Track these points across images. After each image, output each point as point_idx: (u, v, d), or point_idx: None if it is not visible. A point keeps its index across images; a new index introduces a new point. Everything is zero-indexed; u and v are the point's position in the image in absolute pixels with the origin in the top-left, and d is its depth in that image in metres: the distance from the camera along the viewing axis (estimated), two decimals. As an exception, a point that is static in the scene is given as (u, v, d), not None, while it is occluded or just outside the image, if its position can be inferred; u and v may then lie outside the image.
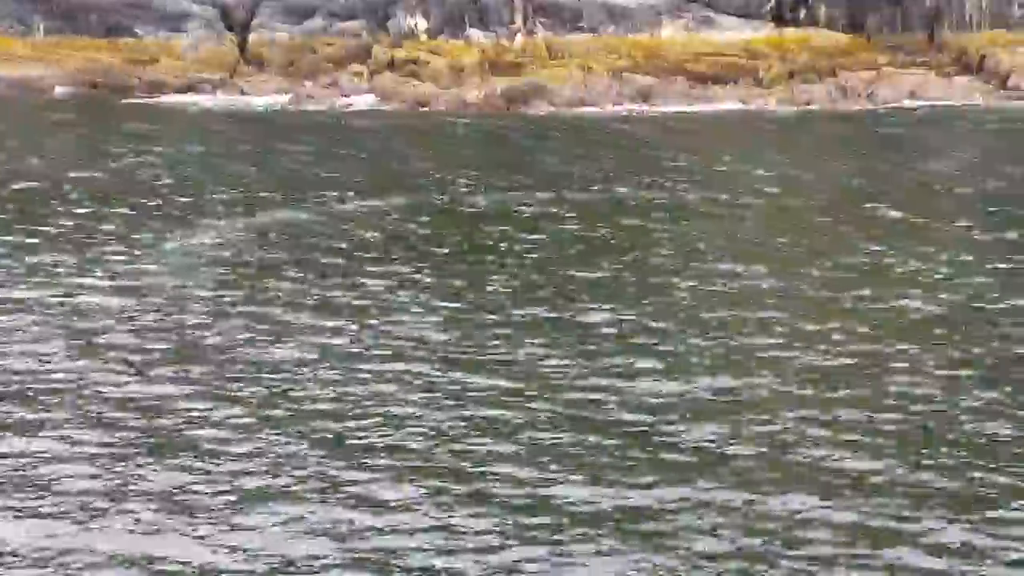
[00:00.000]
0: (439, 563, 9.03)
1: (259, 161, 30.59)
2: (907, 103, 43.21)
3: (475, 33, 49.61)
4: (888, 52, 47.84)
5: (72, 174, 27.59)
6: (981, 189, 26.18)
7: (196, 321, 15.42)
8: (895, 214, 22.88)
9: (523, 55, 48.12)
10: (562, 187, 26.01)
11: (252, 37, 52.18)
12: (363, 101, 45.67)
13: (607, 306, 16.01)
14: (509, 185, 26.56)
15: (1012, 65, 45.71)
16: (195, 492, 10.22)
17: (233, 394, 12.65)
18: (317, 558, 9.09)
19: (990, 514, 9.83)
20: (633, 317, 15.51)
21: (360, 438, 11.46)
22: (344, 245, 20.14)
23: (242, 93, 47.96)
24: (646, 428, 11.67)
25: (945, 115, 40.69)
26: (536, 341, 14.43)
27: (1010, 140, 35.03)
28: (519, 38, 49.23)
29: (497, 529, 9.53)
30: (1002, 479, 10.49)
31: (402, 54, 48.57)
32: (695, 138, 35.26)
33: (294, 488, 10.28)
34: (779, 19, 49.51)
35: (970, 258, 19.11)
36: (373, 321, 15.35)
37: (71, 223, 21.94)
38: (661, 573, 8.92)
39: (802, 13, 49.64)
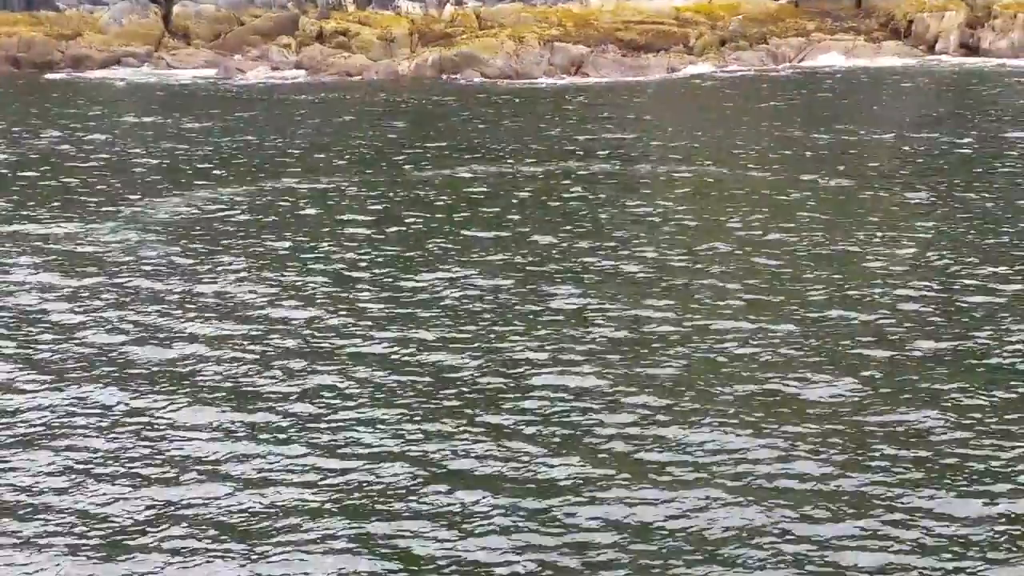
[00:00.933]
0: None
1: (192, 137, 30.12)
2: (838, 67, 43.36)
3: (404, 3, 49.23)
4: (816, 18, 48.07)
5: None
6: (916, 150, 26.36)
7: (137, 301, 15.15)
8: (835, 182, 22.95)
9: (453, 25, 47.80)
10: (505, 159, 25.87)
11: (176, 9, 51.39)
12: (293, 73, 45.18)
13: (571, 286, 15.93)
14: (453, 159, 26.34)
15: (939, 30, 46.10)
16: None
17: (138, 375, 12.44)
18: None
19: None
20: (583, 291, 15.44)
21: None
22: (287, 221, 19.87)
23: (168, 67, 47.31)
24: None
25: (876, 77, 40.91)
26: (494, 312, 14.32)
27: (940, 101, 35.32)
28: (448, 8, 48.91)
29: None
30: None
31: (331, 25, 48.07)
32: (632, 108, 35.16)
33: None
34: (708, -14, 49.53)
35: (912, 222, 19.21)
36: (330, 296, 15.18)
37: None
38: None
39: (731, -21, 49.67)
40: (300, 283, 16.25)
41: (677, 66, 44.07)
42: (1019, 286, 15.64)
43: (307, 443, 11.07)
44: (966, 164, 24.89)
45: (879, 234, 18.53)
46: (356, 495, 10.06)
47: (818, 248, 17.85)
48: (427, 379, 12.62)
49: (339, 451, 10.92)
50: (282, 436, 11.22)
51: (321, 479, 10.34)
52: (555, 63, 44.54)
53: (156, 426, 11.52)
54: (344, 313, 14.84)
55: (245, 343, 13.79)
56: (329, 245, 18.47)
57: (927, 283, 15.85)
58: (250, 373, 12.86)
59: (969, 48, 45.67)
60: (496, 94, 39.03)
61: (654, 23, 46.96)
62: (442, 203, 21.75)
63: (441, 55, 44.54)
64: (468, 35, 46.63)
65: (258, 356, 13.37)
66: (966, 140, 27.72)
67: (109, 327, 14.40)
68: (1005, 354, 13.10)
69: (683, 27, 46.93)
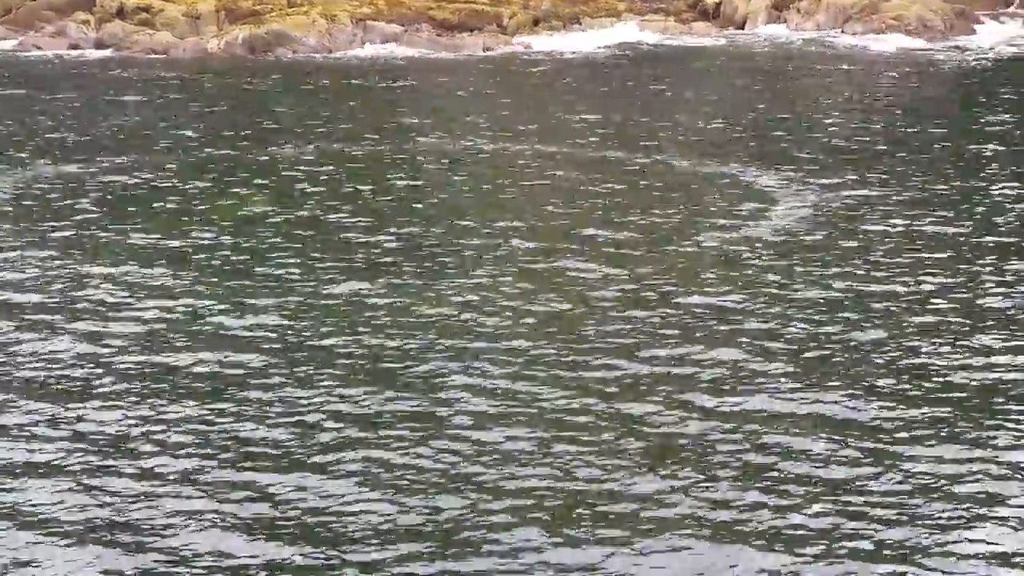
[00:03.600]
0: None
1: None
2: (647, 45, 43.60)
3: (210, -20, 47.64)
4: (627, -1, 48.22)
5: None
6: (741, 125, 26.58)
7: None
8: (675, 161, 22.93)
9: (260, 3, 46.48)
10: (323, 140, 25.16)
11: (-37, -18, 48.87)
12: (95, 52, 43.34)
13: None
14: (273, 140, 25.50)
15: (747, 11, 46.72)
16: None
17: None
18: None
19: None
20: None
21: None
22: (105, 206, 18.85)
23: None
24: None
25: (688, 54, 41.29)
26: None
27: (751, 76, 35.79)
28: (257, -16, 47.50)
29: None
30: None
31: (133, 1, 46.23)
32: (450, 90, 34.73)
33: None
34: (519, -35, 49.24)
35: (759, 202, 19.24)
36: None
37: None
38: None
39: (542, -41, 49.49)
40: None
41: (492, 46, 43.68)
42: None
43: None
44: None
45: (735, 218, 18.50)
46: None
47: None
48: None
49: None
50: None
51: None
52: (369, 41, 43.70)
53: None
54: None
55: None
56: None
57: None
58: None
59: (776, 30, 46.40)
60: (310, 71, 38.09)
61: (467, 3, 46.46)
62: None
63: (251, 33, 43.25)
64: (277, 13, 45.42)
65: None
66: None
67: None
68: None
69: (496, 6, 46.54)
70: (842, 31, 45.32)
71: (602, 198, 19.44)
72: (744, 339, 12.70)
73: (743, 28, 46.17)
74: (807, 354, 12.54)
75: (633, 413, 10.86)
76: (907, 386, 11.70)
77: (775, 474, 9.91)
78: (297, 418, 10.83)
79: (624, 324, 13.03)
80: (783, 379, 11.77)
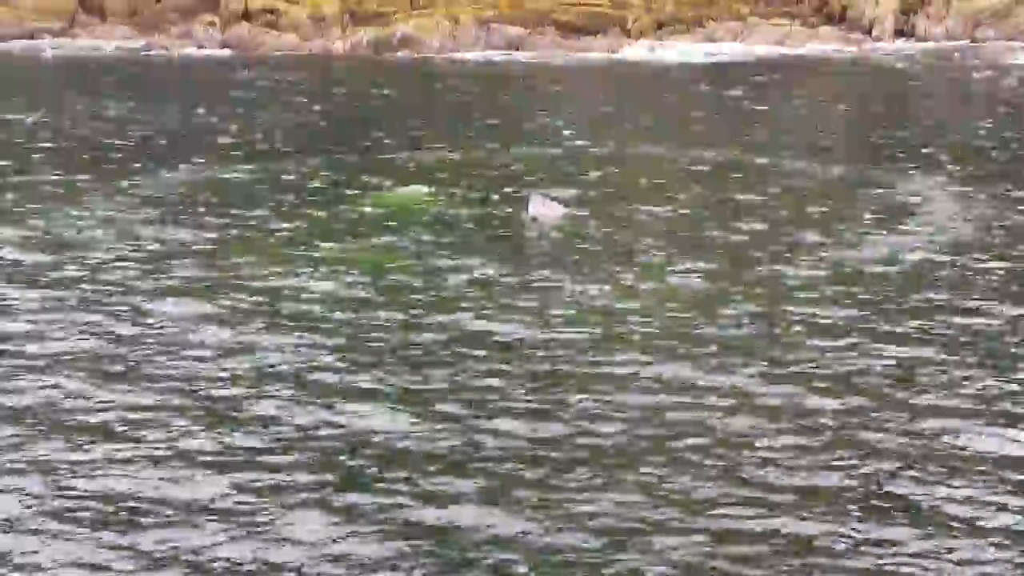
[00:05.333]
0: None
1: (142, 119, 28.71)
2: (781, 52, 42.98)
3: (333, -19, 47.87)
4: (751, 2, 47.75)
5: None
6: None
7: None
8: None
9: (385, 4, 46.61)
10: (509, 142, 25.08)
11: (91, -16, 49.47)
12: (220, 51, 43.70)
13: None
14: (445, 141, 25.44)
15: (874, 15, 46.06)
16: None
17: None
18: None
19: None
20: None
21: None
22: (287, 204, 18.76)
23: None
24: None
25: (818, 61, 40.73)
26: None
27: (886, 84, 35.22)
28: (380, -13, 47.63)
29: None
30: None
31: (258, 3, 46.56)
32: (593, 93, 34.51)
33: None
34: (641, -32, 48.94)
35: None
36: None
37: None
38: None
39: (664, -38, 49.16)
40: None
41: (616, 48, 43.45)
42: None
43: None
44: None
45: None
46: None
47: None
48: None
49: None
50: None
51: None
52: (492, 44, 43.67)
53: None
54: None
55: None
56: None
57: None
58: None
59: (904, 34, 45.70)
60: (447, 75, 38.07)
61: (590, 5, 46.26)
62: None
63: (377, 34, 43.39)
64: (401, 15, 45.51)
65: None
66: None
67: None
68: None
69: (619, 9, 46.31)
70: (973, 37, 44.52)
71: (763, 206, 18.96)
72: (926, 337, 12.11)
73: (870, 33, 45.51)
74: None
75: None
76: None
77: None
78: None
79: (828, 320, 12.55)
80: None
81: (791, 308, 13.50)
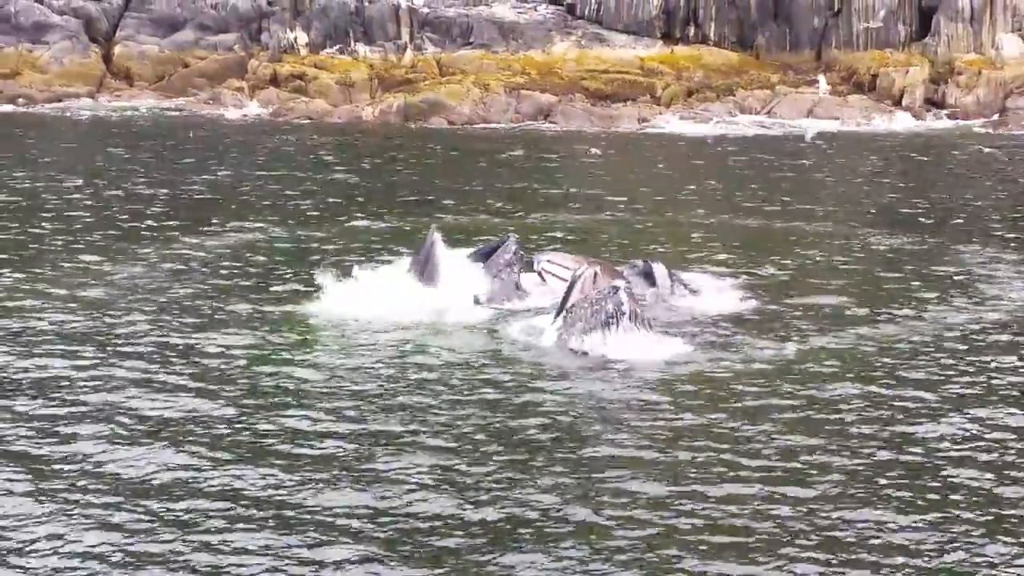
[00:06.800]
0: None
1: (189, 179, 28.43)
2: (823, 127, 42.46)
3: (363, 48, 47.91)
4: (779, 70, 47.68)
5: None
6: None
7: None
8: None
9: (413, 71, 46.57)
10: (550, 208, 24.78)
11: (118, 50, 49.50)
12: (247, 116, 43.61)
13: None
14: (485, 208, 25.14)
15: (904, 84, 45.91)
16: None
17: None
18: None
19: None
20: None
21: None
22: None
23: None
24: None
25: (862, 137, 40.49)
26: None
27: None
28: (409, 54, 47.64)
29: None
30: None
31: (286, 69, 46.55)
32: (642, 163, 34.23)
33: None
34: (668, 36, 48.95)
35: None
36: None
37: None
38: None
39: (691, 30, 49.18)
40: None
41: (647, 116, 43.26)
42: None
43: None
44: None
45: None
46: None
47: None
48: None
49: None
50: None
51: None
52: (522, 111, 43.51)
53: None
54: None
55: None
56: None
57: None
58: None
59: (934, 104, 45.54)
60: (482, 141, 37.84)
61: (619, 72, 46.17)
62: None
63: (406, 101, 43.25)
64: (430, 81, 45.43)
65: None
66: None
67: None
68: None
69: (648, 77, 46.21)
70: (1003, 107, 44.34)
71: (853, 272, 18.69)
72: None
73: (900, 103, 45.32)
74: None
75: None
76: None
77: None
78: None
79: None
80: None
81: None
